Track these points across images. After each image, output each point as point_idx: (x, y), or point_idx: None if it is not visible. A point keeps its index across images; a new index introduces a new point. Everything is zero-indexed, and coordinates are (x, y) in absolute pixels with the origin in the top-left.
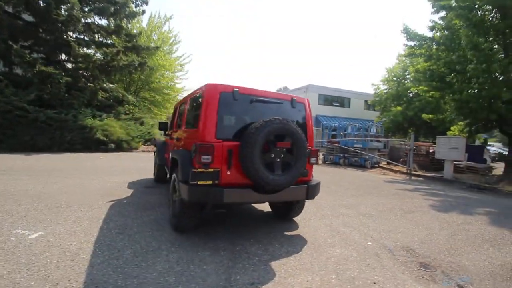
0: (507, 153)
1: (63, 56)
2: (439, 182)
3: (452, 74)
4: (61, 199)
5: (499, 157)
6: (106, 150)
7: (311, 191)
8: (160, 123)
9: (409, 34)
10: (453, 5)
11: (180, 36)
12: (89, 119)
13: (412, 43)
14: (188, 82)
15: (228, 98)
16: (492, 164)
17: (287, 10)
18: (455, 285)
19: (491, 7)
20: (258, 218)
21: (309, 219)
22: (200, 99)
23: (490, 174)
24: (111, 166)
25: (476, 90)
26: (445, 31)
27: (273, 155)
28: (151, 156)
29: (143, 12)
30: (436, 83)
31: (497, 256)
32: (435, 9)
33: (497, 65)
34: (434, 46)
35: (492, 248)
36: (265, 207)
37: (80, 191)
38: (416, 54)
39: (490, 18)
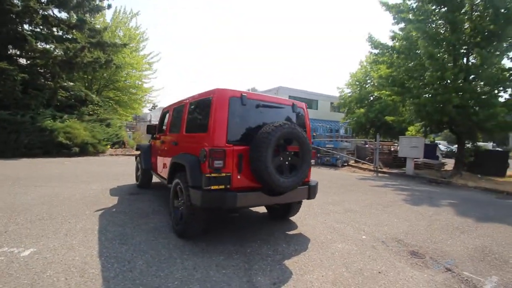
0: (455, 150)
1: (16, 51)
2: (403, 178)
3: (411, 80)
4: (41, 210)
5: (449, 154)
6: (70, 154)
7: (312, 191)
8: (149, 126)
9: (373, 43)
10: (412, 18)
11: (148, 33)
12: (49, 121)
13: (376, 51)
14: (157, 81)
15: (237, 103)
16: (443, 161)
17: (263, 4)
18: (444, 269)
19: (443, 21)
20: (255, 220)
21: (304, 218)
22: (207, 104)
23: (443, 169)
24: (83, 172)
25: (431, 95)
26: (404, 41)
27: (282, 158)
28: (124, 160)
29: (109, 6)
30: (397, 88)
31: (468, 241)
32: (395, 20)
33: (449, 73)
34: (395, 55)
35: (463, 235)
36: (259, 209)
37: (60, 201)
38: (379, 61)
39: (442, 31)
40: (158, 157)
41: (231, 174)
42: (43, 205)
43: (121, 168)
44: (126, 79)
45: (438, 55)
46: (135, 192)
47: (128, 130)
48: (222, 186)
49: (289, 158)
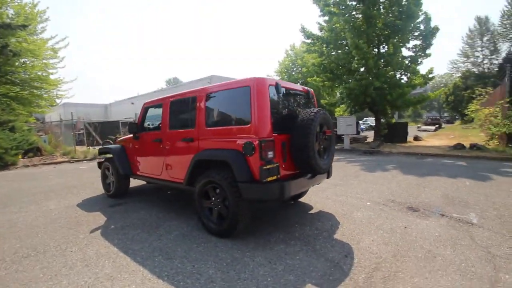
0: (374, 125)
1: None
2: (344, 152)
3: (339, 68)
4: (18, 245)
5: (368, 129)
6: None
7: (331, 171)
8: (132, 124)
9: (306, 33)
10: (337, 12)
11: (49, 12)
12: None
13: (308, 41)
14: (66, 71)
15: (273, 91)
16: (365, 134)
17: None
18: (439, 215)
19: (362, 16)
20: (265, 209)
21: (310, 197)
22: (244, 94)
23: (365, 141)
24: (12, 191)
25: (357, 80)
26: (331, 33)
27: (319, 143)
28: (52, 171)
29: None
30: (329, 74)
31: (433, 193)
32: (322, 12)
33: (371, 61)
34: (325, 45)
35: (426, 189)
36: None
37: (28, 230)
38: (311, 50)
39: (361, 24)
40: (148, 158)
41: (279, 164)
42: (13, 239)
43: (60, 180)
44: (25, 69)
45: (362, 45)
46: (115, 203)
47: (38, 133)
48: (275, 177)
49: (324, 142)
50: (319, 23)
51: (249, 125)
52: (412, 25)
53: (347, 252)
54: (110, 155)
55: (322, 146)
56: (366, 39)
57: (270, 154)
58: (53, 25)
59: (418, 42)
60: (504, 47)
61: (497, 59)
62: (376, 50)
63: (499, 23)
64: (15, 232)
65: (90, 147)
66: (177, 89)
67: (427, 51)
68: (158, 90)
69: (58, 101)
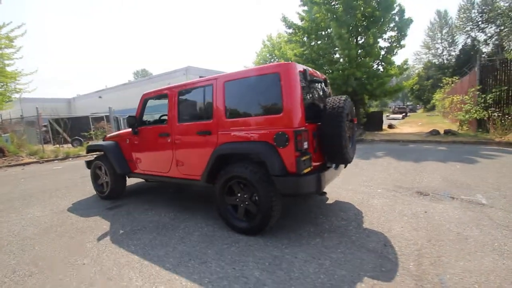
0: None
1: None
2: None
3: (321, 58)
4: (14, 262)
5: None
6: None
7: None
8: (130, 118)
9: (287, 23)
10: (317, 1)
11: None
12: None
13: (290, 31)
14: (23, 62)
15: (302, 78)
16: None
17: None
18: (449, 198)
19: (343, 6)
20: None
21: None
22: (272, 81)
23: None
24: None
25: (340, 70)
26: (312, 23)
27: (347, 131)
28: (23, 173)
29: None
30: (310, 65)
31: (433, 177)
32: (302, 2)
33: (354, 51)
34: (306, 35)
35: (424, 173)
36: None
37: (22, 240)
38: (292, 40)
39: (344, 15)
40: (151, 154)
41: (311, 155)
42: (3, 255)
43: (35, 183)
44: None
45: (345, 35)
46: (113, 205)
47: None
48: (309, 169)
49: (350, 130)
50: (298, 13)
51: (280, 114)
52: (389, 16)
53: (384, 241)
54: (100, 153)
55: (348, 135)
56: (347, 30)
57: (305, 145)
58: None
59: (393, 33)
60: (460, 40)
61: (454, 51)
62: (355, 40)
63: (456, 16)
64: (4, 247)
65: (60, 146)
66: (150, 81)
67: (402, 42)
68: (127, 83)
69: (17, 95)
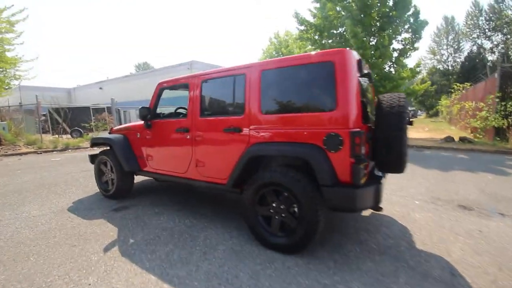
0: None
1: None
2: None
3: None
4: (8, 272)
5: None
6: None
7: None
8: (144, 109)
9: (299, 19)
10: None
11: None
12: None
13: (302, 27)
14: (23, 48)
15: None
16: None
17: None
18: (498, 214)
19: (358, 4)
20: None
21: None
22: (324, 71)
23: None
24: None
25: None
26: (325, 20)
27: None
28: (19, 164)
29: None
30: None
31: (469, 189)
32: None
33: (368, 51)
34: (318, 33)
35: (456, 183)
36: None
37: (15, 247)
38: (304, 38)
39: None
40: (166, 152)
41: (368, 161)
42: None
43: (33, 176)
44: None
45: (360, 34)
46: (119, 207)
47: None
48: (365, 179)
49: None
50: (310, 10)
51: (333, 112)
52: (405, 16)
53: (449, 268)
54: (106, 147)
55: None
56: (363, 28)
57: (363, 150)
58: None
59: (407, 35)
60: (466, 46)
61: (459, 58)
62: (373, 40)
63: (464, 23)
64: (4, 256)
65: (59, 136)
66: (152, 74)
67: (416, 45)
68: (129, 75)
69: (16, 82)
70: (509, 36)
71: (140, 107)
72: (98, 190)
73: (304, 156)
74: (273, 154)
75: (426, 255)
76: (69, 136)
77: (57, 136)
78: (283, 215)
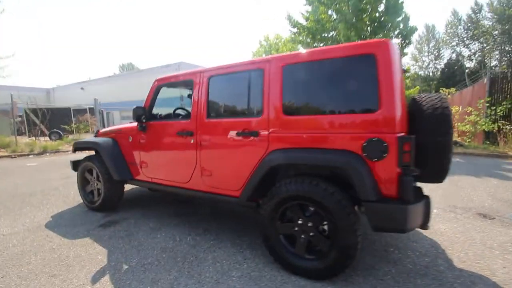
0: None
1: None
2: None
3: None
4: None
5: None
6: None
7: None
8: (138, 109)
9: (292, 22)
10: (325, 1)
11: None
12: None
13: (295, 30)
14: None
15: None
16: None
17: None
18: None
19: (351, 9)
20: None
21: None
22: (363, 65)
23: None
24: None
25: None
26: (317, 24)
27: None
28: None
29: None
30: None
31: (477, 193)
32: (307, 1)
33: None
34: (310, 36)
35: (465, 189)
36: None
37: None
38: (296, 40)
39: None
40: (164, 158)
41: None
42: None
43: (4, 183)
44: None
45: (354, 38)
46: (107, 221)
47: None
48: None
49: None
50: (302, 13)
51: (374, 113)
52: (396, 22)
53: (471, 275)
54: (90, 152)
55: None
56: (355, 32)
57: (411, 158)
58: None
59: (398, 40)
60: (446, 54)
61: (440, 64)
62: None
63: (444, 31)
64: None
65: (36, 138)
66: (138, 75)
67: (405, 50)
68: (113, 75)
69: None
70: (485, 45)
71: (134, 106)
72: (82, 201)
73: (341, 165)
74: (299, 163)
75: (470, 276)
76: (47, 138)
77: (34, 138)
78: (310, 234)
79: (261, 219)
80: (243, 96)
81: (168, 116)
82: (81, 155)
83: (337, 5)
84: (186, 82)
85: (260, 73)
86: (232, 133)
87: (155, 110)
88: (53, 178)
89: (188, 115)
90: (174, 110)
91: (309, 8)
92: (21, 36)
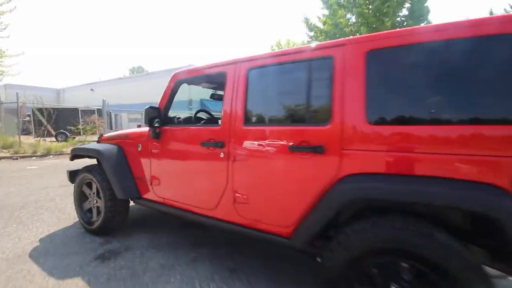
0: None
1: None
2: None
3: None
4: None
5: None
6: None
7: None
8: (151, 109)
9: (309, 26)
10: (345, 4)
11: None
12: None
13: (311, 34)
14: (10, 41)
15: None
16: None
17: None
18: None
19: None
20: None
21: None
22: (502, 48)
23: None
24: None
25: None
26: (335, 28)
27: None
28: None
29: None
30: None
31: None
32: (325, 5)
33: None
34: (328, 40)
35: None
36: None
37: None
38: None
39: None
40: (183, 175)
41: None
42: None
43: None
44: None
45: None
46: (106, 251)
47: None
48: None
49: None
50: (319, 17)
51: None
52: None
53: None
54: (91, 161)
55: None
56: None
57: None
58: None
59: None
60: None
61: None
62: None
63: None
64: None
65: (41, 139)
66: (147, 77)
67: None
68: (123, 77)
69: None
70: None
71: (147, 107)
72: (78, 219)
73: (486, 209)
74: (401, 200)
75: None
76: (53, 139)
77: (39, 139)
78: None
79: (327, 277)
80: (300, 95)
81: (188, 121)
82: (83, 162)
83: (359, 8)
84: (214, 77)
85: (328, 64)
86: (281, 147)
87: (171, 113)
88: (51, 185)
89: (216, 120)
90: (196, 113)
91: (326, 12)
92: (34, 37)
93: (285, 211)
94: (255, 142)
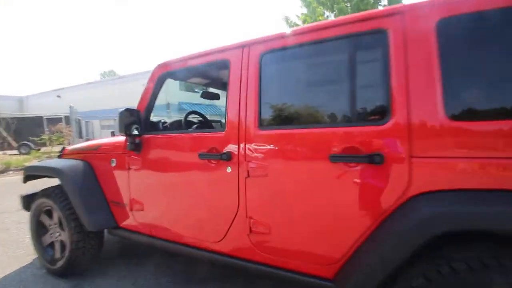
0: None
1: None
2: None
3: None
4: None
5: None
6: None
7: None
8: (127, 113)
9: (289, 24)
10: (324, 2)
11: None
12: None
13: None
14: None
15: None
16: None
17: None
18: None
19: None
20: None
21: None
22: None
23: None
24: None
25: None
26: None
27: None
28: None
29: None
30: None
31: None
32: (303, 3)
33: None
34: None
35: None
36: None
37: None
38: None
39: None
40: (174, 196)
41: None
42: None
43: None
44: None
45: None
46: None
47: None
48: None
49: None
50: (297, 16)
51: None
52: None
53: None
54: (54, 181)
55: None
56: None
57: None
58: None
59: None
60: None
61: None
62: None
63: None
64: None
65: (2, 152)
66: (121, 80)
67: None
68: (93, 81)
69: None
70: None
71: (121, 110)
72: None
73: None
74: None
75: None
76: (15, 152)
77: None
78: None
79: None
80: (339, 85)
81: (178, 126)
82: (44, 182)
83: (339, 5)
84: (213, 66)
85: (380, 39)
86: (317, 156)
87: (154, 116)
88: (7, 209)
89: (210, 125)
90: (186, 116)
91: (305, 10)
92: None
93: (325, 244)
94: (276, 151)
